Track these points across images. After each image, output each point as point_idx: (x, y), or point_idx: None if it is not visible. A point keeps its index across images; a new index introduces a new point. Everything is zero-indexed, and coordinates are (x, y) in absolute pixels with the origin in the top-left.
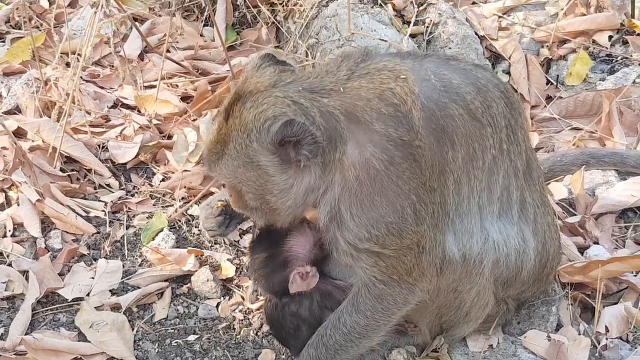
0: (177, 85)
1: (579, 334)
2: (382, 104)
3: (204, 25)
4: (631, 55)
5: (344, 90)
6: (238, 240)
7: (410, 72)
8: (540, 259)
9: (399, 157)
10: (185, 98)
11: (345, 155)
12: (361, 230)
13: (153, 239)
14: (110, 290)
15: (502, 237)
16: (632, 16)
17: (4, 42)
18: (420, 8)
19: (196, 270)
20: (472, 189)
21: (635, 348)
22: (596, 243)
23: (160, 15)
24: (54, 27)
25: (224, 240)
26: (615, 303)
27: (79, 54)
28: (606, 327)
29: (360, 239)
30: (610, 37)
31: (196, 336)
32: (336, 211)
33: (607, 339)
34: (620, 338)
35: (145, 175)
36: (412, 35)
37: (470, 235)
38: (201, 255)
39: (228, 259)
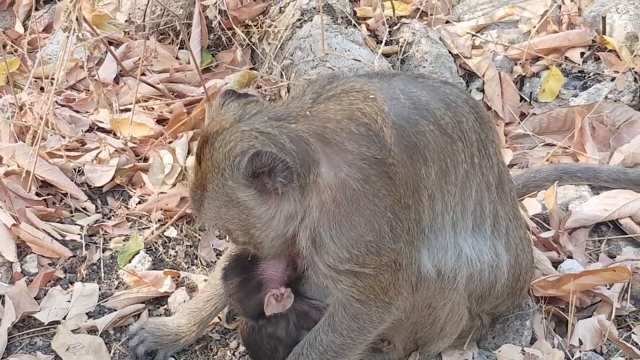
0: (152, 108)
1: (553, 347)
2: (352, 124)
3: (179, 48)
4: (603, 72)
5: (311, 113)
6: (215, 261)
7: (378, 92)
8: (513, 273)
9: (374, 175)
10: (160, 121)
11: (320, 177)
12: (342, 251)
13: (129, 261)
14: (86, 313)
15: (475, 253)
16: (604, 33)
17: None
18: (394, 27)
19: (173, 292)
20: (446, 205)
21: None
22: (570, 257)
23: (135, 39)
24: (29, 52)
25: (200, 260)
26: (589, 316)
27: (52, 78)
28: (580, 340)
29: (341, 260)
30: (582, 53)
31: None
32: (316, 235)
33: (580, 351)
34: (594, 350)
35: (122, 198)
36: (387, 55)
37: (445, 251)
38: (178, 277)
39: (205, 280)
